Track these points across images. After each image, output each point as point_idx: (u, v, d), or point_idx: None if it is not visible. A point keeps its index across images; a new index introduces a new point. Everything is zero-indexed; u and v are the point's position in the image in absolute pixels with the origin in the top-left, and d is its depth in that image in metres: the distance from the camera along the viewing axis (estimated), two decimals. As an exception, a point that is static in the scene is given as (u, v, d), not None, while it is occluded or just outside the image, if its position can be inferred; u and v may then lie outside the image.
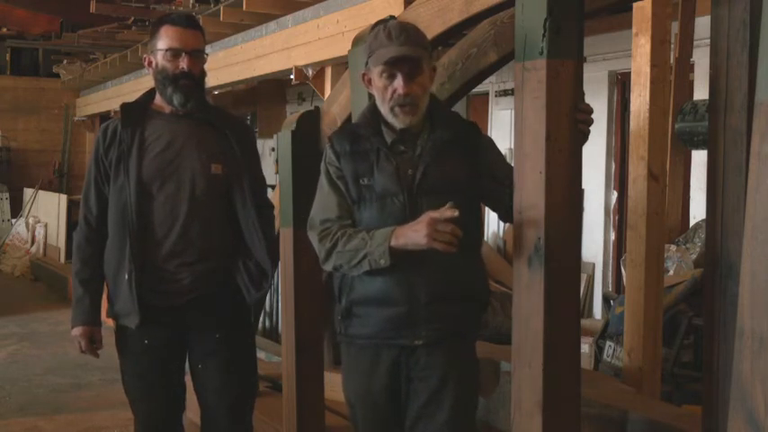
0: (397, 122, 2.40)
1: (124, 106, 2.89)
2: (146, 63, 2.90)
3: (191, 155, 2.81)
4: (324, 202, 2.46)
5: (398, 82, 2.35)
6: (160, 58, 2.80)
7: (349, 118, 3.11)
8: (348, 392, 2.53)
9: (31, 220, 12.02)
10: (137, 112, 2.87)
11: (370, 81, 2.44)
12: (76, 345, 2.90)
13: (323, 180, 2.48)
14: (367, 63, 2.43)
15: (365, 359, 2.46)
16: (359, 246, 2.32)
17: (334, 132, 2.56)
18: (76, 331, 2.87)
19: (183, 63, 2.78)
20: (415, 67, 2.36)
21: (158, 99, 2.88)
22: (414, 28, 2.44)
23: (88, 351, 2.89)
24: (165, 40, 2.79)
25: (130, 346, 2.85)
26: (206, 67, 2.89)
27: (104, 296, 2.91)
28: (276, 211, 3.13)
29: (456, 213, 2.15)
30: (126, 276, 2.75)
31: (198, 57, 2.82)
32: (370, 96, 2.54)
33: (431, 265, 2.31)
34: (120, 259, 2.78)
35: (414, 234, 2.21)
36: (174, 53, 2.78)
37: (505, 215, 2.43)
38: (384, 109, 2.41)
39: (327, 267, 2.43)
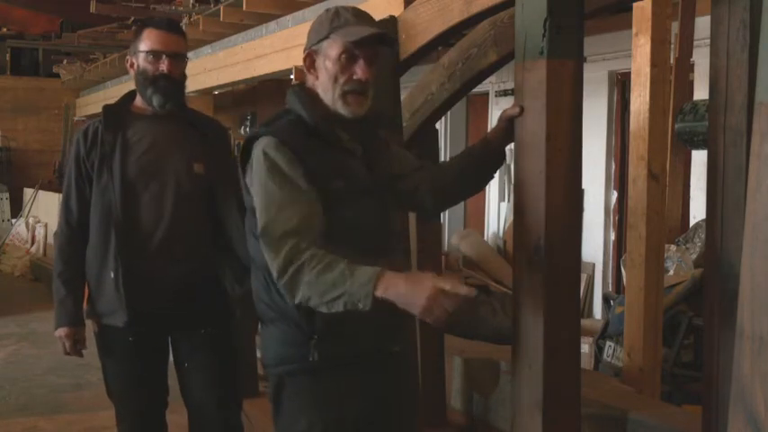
0: (346, 111, 2.18)
1: (106, 108, 2.95)
2: (128, 65, 2.95)
3: (173, 155, 2.86)
4: (282, 207, 2.06)
5: (360, 66, 2.15)
6: (141, 60, 2.85)
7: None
8: (321, 425, 2.18)
9: (31, 220, 12.02)
10: (118, 113, 2.92)
11: (313, 63, 2.21)
12: (60, 346, 2.93)
13: (275, 179, 2.09)
14: (318, 42, 2.18)
15: (348, 380, 2.19)
16: (337, 281, 1.95)
17: (274, 129, 2.18)
18: (61, 332, 2.91)
19: (164, 65, 2.82)
20: (374, 54, 2.19)
21: (139, 101, 2.93)
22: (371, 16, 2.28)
23: (72, 352, 2.94)
24: (146, 42, 2.85)
25: (114, 344, 2.89)
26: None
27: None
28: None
29: (474, 293, 1.86)
30: (112, 275, 2.79)
31: (178, 60, 2.87)
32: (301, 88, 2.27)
33: (399, 265, 2.14)
34: (104, 259, 2.82)
35: (411, 296, 1.89)
36: (155, 55, 2.82)
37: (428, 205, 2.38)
38: (332, 95, 2.18)
39: (293, 299, 2.03)
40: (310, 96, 2.21)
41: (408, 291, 1.90)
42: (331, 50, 2.16)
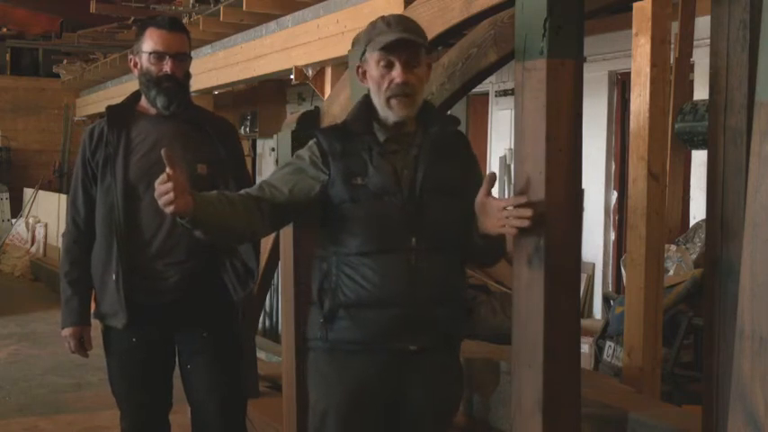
0: (392, 115, 2.31)
1: (110, 108, 2.93)
2: (131, 65, 2.93)
3: (176, 156, 2.83)
4: (275, 175, 2.38)
5: (396, 70, 2.27)
6: (144, 61, 2.83)
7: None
8: (325, 404, 2.36)
9: (31, 220, 12.03)
10: (122, 113, 2.91)
11: (365, 74, 2.36)
12: (66, 345, 2.94)
13: (290, 160, 2.42)
14: (363, 55, 2.34)
15: (354, 366, 2.32)
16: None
17: (321, 130, 2.47)
18: (66, 332, 2.92)
19: (167, 66, 2.80)
20: (413, 56, 2.28)
21: (143, 101, 2.91)
22: (414, 21, 2.39)
23: (78, 351, 2.95)
24: (149, 42, 2.82)
25: (117, 345, 2.89)
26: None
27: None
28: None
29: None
30: (113, 277, 2.79)
31: (181, 60, 2.84)
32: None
33: (429, 266, 2.29)
34: (107, 260, 2.81)
35: None
36: (158, 56, 2.80)
37: (470, 252, 2.38)
38: (379, 100, 2.32)
39: None
40: (366, 102, 2.38)
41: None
42: (371, 61, 2.32)
